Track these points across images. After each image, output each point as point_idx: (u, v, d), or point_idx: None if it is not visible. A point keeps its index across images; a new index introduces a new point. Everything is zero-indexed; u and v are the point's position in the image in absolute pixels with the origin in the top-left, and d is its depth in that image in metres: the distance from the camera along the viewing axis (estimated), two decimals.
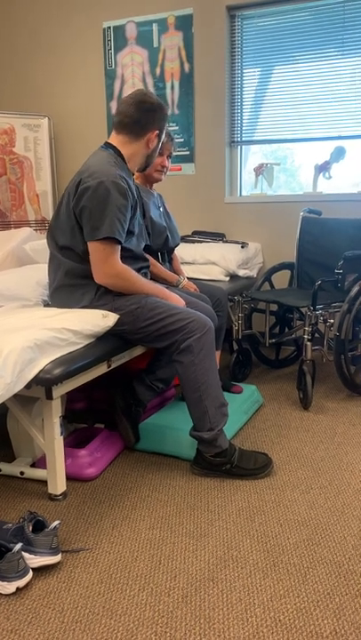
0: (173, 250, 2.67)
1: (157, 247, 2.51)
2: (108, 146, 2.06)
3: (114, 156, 2.02)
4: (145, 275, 2.21)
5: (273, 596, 1.41)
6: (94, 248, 1.94)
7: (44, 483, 1.98)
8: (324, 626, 1.31)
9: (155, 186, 2.61)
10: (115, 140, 2.07)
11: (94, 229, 1.91)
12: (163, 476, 2.04)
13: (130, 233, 2.04)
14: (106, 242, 1.93)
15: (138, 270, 2.13)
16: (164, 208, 2.62)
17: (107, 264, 1.95)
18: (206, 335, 1.97)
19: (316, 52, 3.37)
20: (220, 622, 1.33)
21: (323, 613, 1.35)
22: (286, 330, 3.29)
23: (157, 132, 2.08)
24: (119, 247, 1.98)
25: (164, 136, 2.39)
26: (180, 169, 3.78)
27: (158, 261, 2.53)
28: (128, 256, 2.07)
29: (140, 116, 2.02)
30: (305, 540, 1.64)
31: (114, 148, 2.05)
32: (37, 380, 1.71)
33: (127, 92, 3.85)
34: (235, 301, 2.92)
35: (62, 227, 2.01)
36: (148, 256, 2.27)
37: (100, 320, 1.95)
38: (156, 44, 3.69)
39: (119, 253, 1.98)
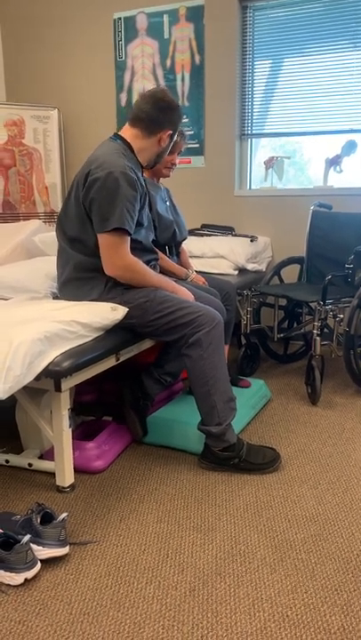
0: (181, 243, 2.66)
1: (165, 241, 2.50)
2: (117, 137, 2.05)
3: (122, 147, 2.01)
4: (154, 267, 2.21)
5: (281, 591, 1.41)
6: (104, 239, 1.94)
7: (51, 475, 1.98)
8: (332, 622, 1.31)
9: (163, 179, 2.60)
10: (127, 132, 2.06)
11: (104, 220, 1.91)
12: (170, 469, 2.04)
13: (139, 225, 2.04)
14: (115, 233, 1.92)
15: (147, 263, 2.12)
16: (171, 202, 2.61)
17: (116, 255, 1.95)
18: (215, 329, 1.96)
19: (328, 44, 3.33)
20: (228, 617, 1.33)
21: (331, 609, 1.35)
22: (295, 324, 3.28)
23: (170, 132, 2.07)
24: (129, 238, 1.97)
25: (176, 135, 2.38)
26: (190, 162, 3.76)
27: (166, 255, 2.52)
28: (138, 248, 2.07)
29: (157, 114, 2.01)
30: (313, 536, 1.64)
31: (123, 139, 2.04)
32: (46, 373, 1.71)
33: (137, 83, 3.83)
34: (243, 295, 2.90)
35: (71, 218, 2.01)
36: (156, 249, 2.27)
37: (109, 313, 1.94)
38: (166, 36, 3.67)
39: (129, 245, 1.97)
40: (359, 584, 1.43)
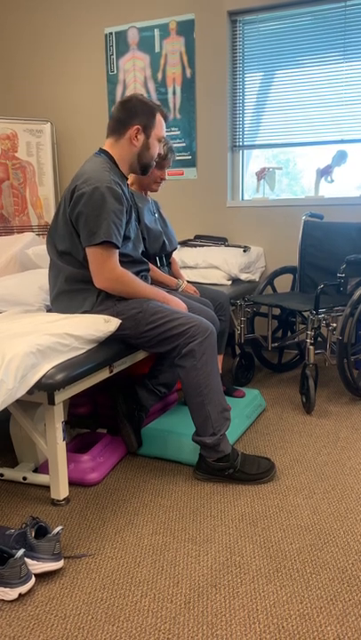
0: (171, 254, 2.68)
1: (155, 252, 2.53)
2: (101, 152, 2.08)
3: (107, 162, 2.03)
4: (144, 278, 2.22)
5: (276, 602, 1.41)
6: (92, 253, 1.95)
7: (46, 488, 1.97)
8: (328, 632, 1.30)
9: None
10: (107, 144, 2.09)
11: (91, 234, 1.92)
12: (165, 481, 2.04)
13: (126, 238, 2.05)
14: (103, 246, 1.93)
15: (137, 274, 2.14)
16: (160, 214, 2.64)
17: (106, 268, 1.96)
18: (208, 339, 1.97)
19: (318, 56, 3.37)
20: (224, 629, 1.32)
21: (326, 619, 1.34)
22: (289, 334, 3.29)
23: (138, 126, 2.04)
24: (117, 251, 1.98)
25: (164, 146, 2.38)
26: (183, 173, 3.79)
27: (157, 266, 2.54)
28: (127, 261, 2.08)
29: (121, 114, 2.04)
30: (308, 546, 1.63)
31: (107, 153, 2.07)
32: (40, 386, 1.71)
33: None
34: (237, 305, 2.92)
35: (61, 233, 2.02)
36: (146, 260, 2.28)
37: (102, 325, 1.95)
38: (157, 50, 3.71)
39: (117, 257, 1.98)
40: (354, 594, 1.43)
